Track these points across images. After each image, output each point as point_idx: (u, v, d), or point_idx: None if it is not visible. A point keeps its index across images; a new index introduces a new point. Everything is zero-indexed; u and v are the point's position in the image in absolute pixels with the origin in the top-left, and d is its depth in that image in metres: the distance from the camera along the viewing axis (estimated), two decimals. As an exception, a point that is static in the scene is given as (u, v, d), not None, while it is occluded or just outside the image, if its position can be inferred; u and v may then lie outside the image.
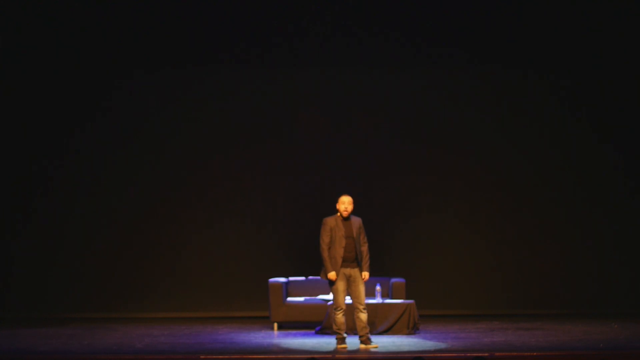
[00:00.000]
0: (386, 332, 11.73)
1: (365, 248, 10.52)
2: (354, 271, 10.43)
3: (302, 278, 13.09)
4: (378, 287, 12.05)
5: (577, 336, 11.16)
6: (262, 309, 13.20)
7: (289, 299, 12.64)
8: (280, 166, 14.35)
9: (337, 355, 9.92)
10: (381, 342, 10.73)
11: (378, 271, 12.80)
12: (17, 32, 14.15)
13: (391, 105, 14.36)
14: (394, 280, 12.64)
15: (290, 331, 12.22)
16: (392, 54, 14.27)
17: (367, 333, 10.48)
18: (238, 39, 14.24)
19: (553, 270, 14.24)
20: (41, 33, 14.17)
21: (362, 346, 10.43)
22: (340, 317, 10.39)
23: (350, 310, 10.65)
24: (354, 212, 10.59)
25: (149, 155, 14.36)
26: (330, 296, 12.46)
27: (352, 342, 10.59)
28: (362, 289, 10.45)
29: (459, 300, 14.11)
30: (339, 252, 10.36)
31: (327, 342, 10.90)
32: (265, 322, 12.97)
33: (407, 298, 12.40)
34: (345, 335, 10.46)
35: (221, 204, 14.31)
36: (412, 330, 11.78)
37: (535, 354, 9.57)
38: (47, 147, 14.30)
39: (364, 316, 10.44)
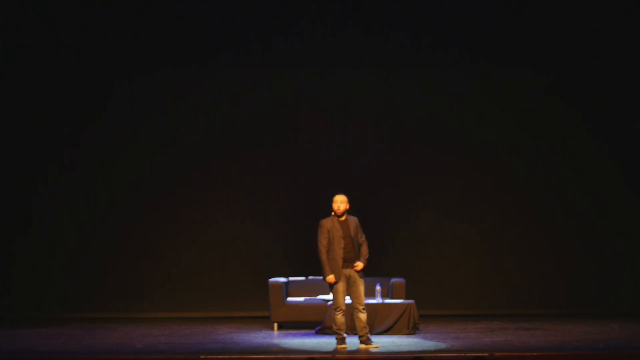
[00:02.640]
0: (386, 332, 11.73)
1: (364, 246, 10.52)
2: (353, 271, 10.43)
3: (302, 278, 13.09)
4: (378, 287, 12.05)
5: (577, 336, 11.16)
6: (262, 309, 13.19)
7: (289, 299, 12.64)
8: (280, 166, 14.34)
9: (337, 355, 9.92)
10: (381, 342, 10.72)
11: (378, 271, 12.82)
12: (17, 32, 14.14)
13: (391, 105, 14.35)
14: (394, 280, 12.64)
15: (290, 331, 12.21)
16: (393, 55, 14.25)
17: (367, 333, 10.48)
18: (240, 39, 14.22)
19: (553, 270, 14.24)
20: (41, 33, 14.17)
21: (362, 346, 10.43)
22: (340, 317, 10.39)
23: (350, 310, 10.65)
24: (351, 211, 10.58)
25: (149, 156, 14.35)
26: (330, 296, 12.45)
27: (352, 342, 10.59)
28: (361, 289, 10.45)
29: (459, 300, 14.10)
30: (339, 253, 10.35)
31: (327, 342, 10.90)
32: (265, 322, 12.97)
33: (407, 298, 12.39)
34: (345, 335, 10.46)
35: (221, 204, 14.30)
36: (412, 330, 11.77)
37: (535, 354, 9.57)
38: (46, 147, 14.29)
39: (363, 316, 10.44)
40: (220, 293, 14.14)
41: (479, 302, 14.12)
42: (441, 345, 10.59)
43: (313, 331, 12.03)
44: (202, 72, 14.37)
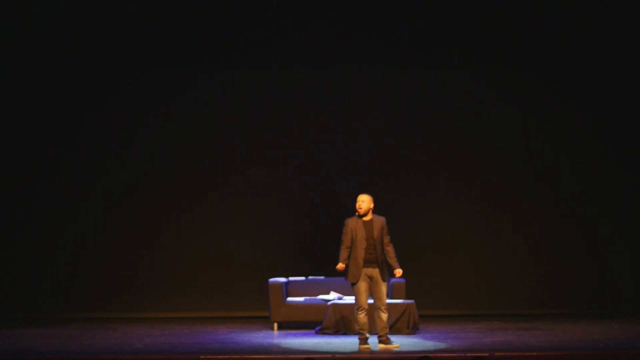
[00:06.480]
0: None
1: (390, 248, 10.57)
2: (375, 272, 10.43)
3: (302, 278, 13.08)
4: (378, 287, 12.03)
5: (577, 336, 11.16)
6: (262, 309, 13.18)
7: (289, 299, 12.64)
8: (280, 166, 14.33)
9: (336, 355, 9.91)
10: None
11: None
12: (17, 32, 14.12)
13: (391, 105, 14.34)
14: (394, 280, 12.61)
15: (290, 331, 12.21)
16: (392, 54, 14.24)
17: (387, 333, 10.48)
18: (242, 38, 14.23)
19: (553, 270, 14.23)
20: (41, 33, 14.15)
21: (382, 346, 10.39)
22: (362, 317, 10.37)
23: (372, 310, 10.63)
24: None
25: (149, 156, 14.34)
26: (329, 296, 12.46)
27: (352, 342, 10.58)
28: (384, 290, 10.46)
29: (459, 300, 14.10)
30: (361, 253, 10.38)
31: (327, 342, 10.90)
32: (265, 322, 12.96)
33: (407, 298, 12.39)
34: (367, 335, 10.45)
35: (221, 203, 14.30)
36: (412, 330, 11.77)
37: (535, 354, 9.57)
38: (46, 147, 14.28)
39: (384, 316, 10.46)
40: (220, 293, 14.14)
41: (479, 302, 14.12)
42: (441, 345, 10.59)
43: (313, 331, 12.03)
44: (201, 72, 14.36)
